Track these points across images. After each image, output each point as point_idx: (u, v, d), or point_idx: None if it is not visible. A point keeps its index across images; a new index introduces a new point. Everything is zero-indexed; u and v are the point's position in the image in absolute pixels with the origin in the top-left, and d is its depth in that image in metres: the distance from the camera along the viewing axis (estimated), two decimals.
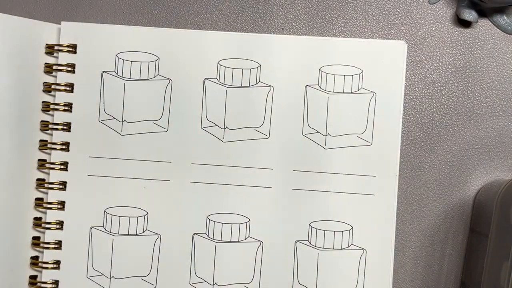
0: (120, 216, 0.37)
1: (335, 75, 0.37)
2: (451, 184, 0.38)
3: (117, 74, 0.38)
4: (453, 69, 0.39)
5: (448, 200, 0.38)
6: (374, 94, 0.37)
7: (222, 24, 0.39)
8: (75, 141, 0.38)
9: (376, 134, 0.37)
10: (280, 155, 0.38)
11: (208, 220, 0.37)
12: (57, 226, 0.38)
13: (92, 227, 0.38)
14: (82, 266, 0.38)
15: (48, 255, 0.38)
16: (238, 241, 0.37)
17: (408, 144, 0.38)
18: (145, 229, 0.37)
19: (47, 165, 0.38)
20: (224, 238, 0.37)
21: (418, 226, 0.38)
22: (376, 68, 0.37)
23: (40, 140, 0.38)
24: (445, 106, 0.39)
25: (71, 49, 0.38)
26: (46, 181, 0.38)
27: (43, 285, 0.38)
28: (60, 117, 0.38)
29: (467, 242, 0.38)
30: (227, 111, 0.38)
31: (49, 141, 0.38)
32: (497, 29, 0.38)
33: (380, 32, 0.39)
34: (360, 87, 0.37)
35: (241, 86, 0.38)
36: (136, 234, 0.37)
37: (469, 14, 0.38)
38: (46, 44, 0.38)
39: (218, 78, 0.38)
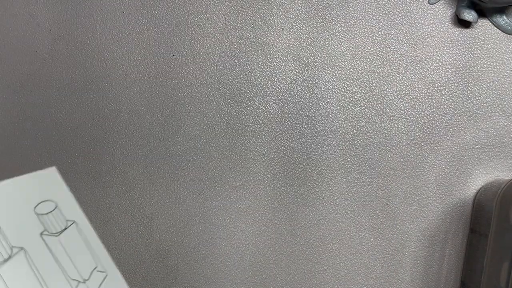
0: None
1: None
2: (451, 184, 0.38)
3: None
4: (453, 69, 0.39)
5: (448, 200, 0.38)
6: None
7: (222, 24, 0.39)
8: None
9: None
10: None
11: None
12: None
13: None
14: None
15: None
16: None
17: (408, 144, 0.38)
18: None
19: None
20: None
21: (417, 226, 0.38)
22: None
23: None
24: (445, 106, 0.39)
25: None
26: None
27: None
28: None
29: (467, 242, 0.38)
30: None
31: None
32: (497, 30, 0.39)
33: (380, 32, 0.39)
34: None
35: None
36: None
37: (469, 14, 0.38)
38: None
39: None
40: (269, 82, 0.39)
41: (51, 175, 0.36)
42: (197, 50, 0.40)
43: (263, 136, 0.39)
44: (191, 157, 0.40)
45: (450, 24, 0.39)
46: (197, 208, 0.40)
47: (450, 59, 0.39)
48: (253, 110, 0.39)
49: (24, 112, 0.40)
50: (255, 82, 0.39)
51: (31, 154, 0.41)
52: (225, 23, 0.39)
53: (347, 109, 0.39)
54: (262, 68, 0.39)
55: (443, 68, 0.39)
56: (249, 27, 0.39)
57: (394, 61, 0.39)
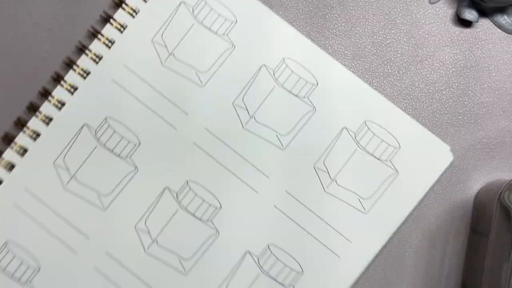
0: None
1: (374, 134, 0.37)
2: (451, 184, 0.38)
3: None
4: (453, 69, 0.39)
5: (449, 200, 0.38)
6: (397, 174, 0.37)
7: None
8: None
9: (376, 209, 0.37)
10: (282, 167, 0.37)
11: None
12: None
13: None
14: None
15: None
16: (200, 219, 0.37)
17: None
18: None
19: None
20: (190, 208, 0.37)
21: (418, 226, 0.38)
22: (413, 153, 0.37)
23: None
24: (445, 106, 0.39)
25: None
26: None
27: None
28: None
29: (468, 242, 0.38)
30: (264, 103, 0.37)
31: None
32: (498, 29, 0.39)
33: (380, 32, 0.39)
34: (389, 159, 0.37)
35: (290, 91, 0.37)
36: None
37: (469, 14, 0.38)
38: None
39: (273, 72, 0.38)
40: None
41: None
42: None
43: None
44: None
45: (450, 24, 0.39)
46: None
47: (451, 59, 0.39)
48: None
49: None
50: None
51: None
52: None
53: None
54: None
55: (444, 68, 0.39)
56: None
57: (395, 61, 0.39)
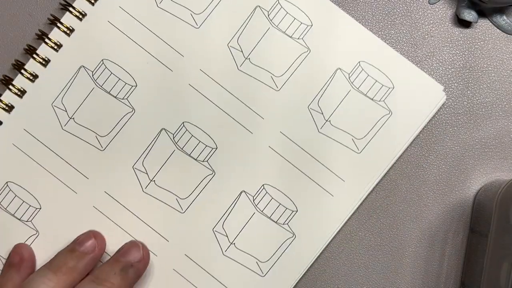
0: None
1: (368, 75, 0.37)
2: (451, 184, 0.38)
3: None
4: (453, 69, 0.39)
5: (448, 200, 0.38)
6: (390, 114, 0.37)
7: None
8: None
9: (369, 148, 0.37)
10: (277, 111, 0.38)
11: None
12: None
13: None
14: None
15: None
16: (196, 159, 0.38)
17: (408, 144, 0.38)
18: None
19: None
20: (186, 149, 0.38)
21: (417, 226, 0.38)
22: (406, 94, 0.37)
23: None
24: (445, 106, 0.39)
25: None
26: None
27: None
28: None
29: (467, 242, 0.38)
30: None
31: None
32: (497, 29, 0.39)
33: (380, 32, 0.39)
34: (382, 99, 0.37)
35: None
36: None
37: (469, 14, 0.38)
38: None
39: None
40: None
41: None
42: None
43: None
44: None
45: (450, 24, 0.39)
46: None
47: (450, 59, 0.39)
48: None
49: None
50: None
51: None
52: None
53: None
54: None
55: (443, 68, 0.39)
56: None
57: None
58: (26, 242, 0.37)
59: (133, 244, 0.36)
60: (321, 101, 0.38)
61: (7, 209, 0.37)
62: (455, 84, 0.39)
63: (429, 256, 0.38)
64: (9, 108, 0.38)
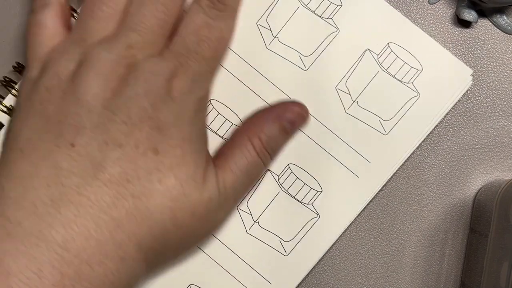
0: None
1: (397, 57, 0.37)
2: (451, 184, 0.38)
3: None
4: None
5: (448, 200, 0.38)
6: (418, 96, 0.37)
7: None
8: None
9: (396, 130, 0.37)
10: (303, 88, 0.38)
11: None
12: None
13: None
14: None
15: None
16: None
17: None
18: None
19: None
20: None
21: (417, 226, 0.38)
22: (435, 76, 0.37)
23: None
24: None
25: None
26: None
27: None
28: None
29: (467, 242, 0.38)
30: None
31: None
32: (497, 29, 0.39)
33: None
34: (411, 81, 0.37)
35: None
36: None
37: (469, 14, 0.38)
38: None
39: None
40: None
41: None
42: None
43: None
44: None
45: (450, 24, 0.39)
46: None
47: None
48: None
49: None
50: None
51: None
52: None
53: None
54: None
55: None
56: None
57: None
58: None
59: None
60: (349, 81, 0.37)
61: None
62: None
63: (429, 256, 0.38)
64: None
